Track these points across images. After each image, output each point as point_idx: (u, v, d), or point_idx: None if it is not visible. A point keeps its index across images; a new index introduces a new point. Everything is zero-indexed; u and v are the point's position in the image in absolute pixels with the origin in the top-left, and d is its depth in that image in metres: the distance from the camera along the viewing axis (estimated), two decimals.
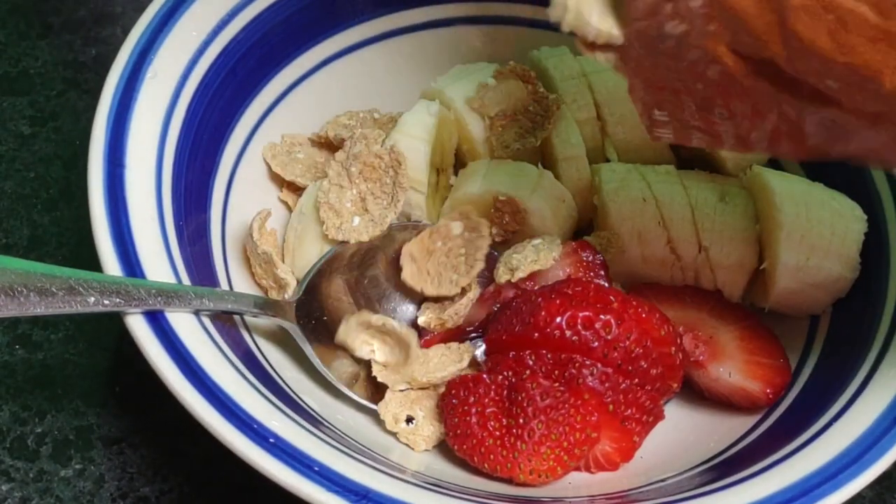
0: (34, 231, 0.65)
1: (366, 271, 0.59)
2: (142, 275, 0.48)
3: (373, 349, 0.56)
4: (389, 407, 0.55)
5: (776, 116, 0.41)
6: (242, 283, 0.58)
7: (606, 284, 0.58)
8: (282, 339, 0.56)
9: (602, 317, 0.52)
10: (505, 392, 0.52)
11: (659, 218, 0.60)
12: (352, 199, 0.59)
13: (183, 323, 0.48)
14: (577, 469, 0.53)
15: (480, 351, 0.57)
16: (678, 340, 0.55)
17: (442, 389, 0.55)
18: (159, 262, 0.50)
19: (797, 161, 0.43)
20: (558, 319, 0.52)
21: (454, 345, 0.57)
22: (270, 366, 0.54)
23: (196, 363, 0.46)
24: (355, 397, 0.56)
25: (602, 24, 0.41)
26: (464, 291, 0.57)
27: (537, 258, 0.57)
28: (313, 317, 0.56)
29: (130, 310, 0.47)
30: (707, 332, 0.57)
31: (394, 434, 0.54)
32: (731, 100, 0.42)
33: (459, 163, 0.65)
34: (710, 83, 0.41)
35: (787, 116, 0.41)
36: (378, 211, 0.59)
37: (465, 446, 0.52)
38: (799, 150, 0.43)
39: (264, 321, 0.56)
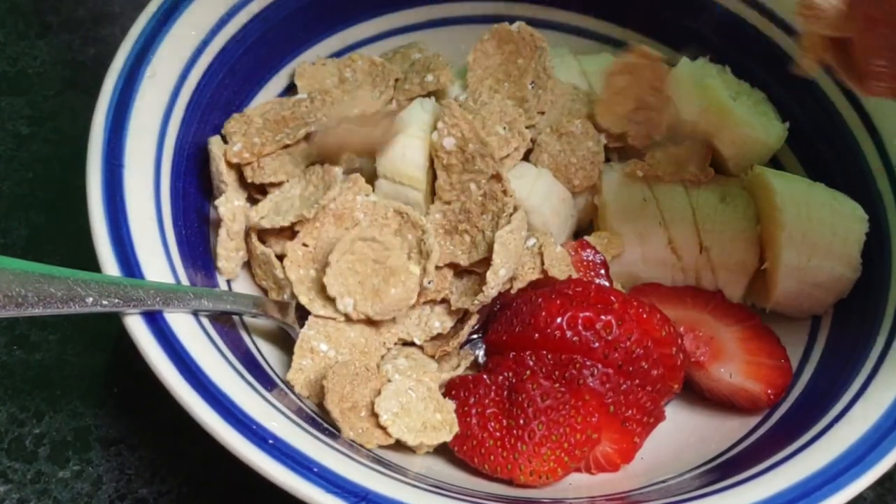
0: (32, 231, 0.64)
1: None
2: (140, 275, 0.48)
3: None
4: None
5: None
6: (242, 284, 0.58)
7: (607, 284, 0.58)
8: (281, 340, 0.56)
9: (603, 317, 0.52)
10: (505, 393, 0.52)
11: (660, 218, 0.59)
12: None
13: (181, 323, 0.47)
14: (578, 470, 0.53)
15: (481, 352, 0.57)
16: (679, 341, 0.54)
17: (442, 391, 0.55)
18: (158, 262, 0.50)
19: None
20: (559, 320, 0.52)
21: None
22: (269, 366, 0.53)
23: (195, 364, 0.46)
24: None
25: None
26: (465, 318, 0.57)
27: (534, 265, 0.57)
28: None
29: (129, 310, 0.46)
30: (708, 332, 0.57)
31: None
32: None
33: None
34: None
35: None
36: None
37: (465, 447, 0.52)
38: None
39: (263, 322, 0.55)
